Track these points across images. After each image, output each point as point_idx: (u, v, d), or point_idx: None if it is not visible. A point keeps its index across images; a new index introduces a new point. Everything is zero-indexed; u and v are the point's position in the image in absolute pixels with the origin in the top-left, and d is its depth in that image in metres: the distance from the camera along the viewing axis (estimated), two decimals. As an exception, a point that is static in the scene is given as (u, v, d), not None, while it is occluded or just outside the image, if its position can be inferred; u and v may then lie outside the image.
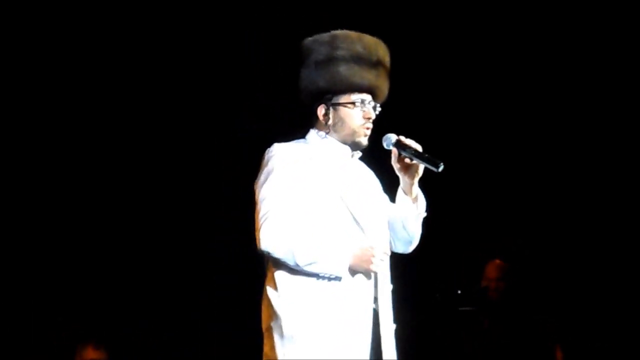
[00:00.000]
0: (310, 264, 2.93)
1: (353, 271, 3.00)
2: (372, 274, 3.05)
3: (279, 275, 3.01)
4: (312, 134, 3.20)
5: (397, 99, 3.32)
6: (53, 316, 5.54)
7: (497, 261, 5.85)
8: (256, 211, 3.03)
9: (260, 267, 3.17)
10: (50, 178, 5.64)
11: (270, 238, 2.95)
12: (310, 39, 3.20)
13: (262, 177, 3.08)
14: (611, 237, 6.07)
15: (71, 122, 5.67)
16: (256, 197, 3.08)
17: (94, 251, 5.69)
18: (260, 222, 2.98)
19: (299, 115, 3.25)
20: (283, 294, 2.99)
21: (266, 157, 3.13)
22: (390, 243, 3.24)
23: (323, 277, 2.96)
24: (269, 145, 3.15)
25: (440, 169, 3.02)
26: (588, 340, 5.98)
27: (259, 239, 2.98)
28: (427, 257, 5.39)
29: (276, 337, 2.97)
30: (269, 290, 3.04)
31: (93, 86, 5.69)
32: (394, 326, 3.12)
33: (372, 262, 2.98)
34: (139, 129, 5.77)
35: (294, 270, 2.98)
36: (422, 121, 5.47)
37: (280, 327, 2.96)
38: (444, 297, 5.85)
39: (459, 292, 5.77)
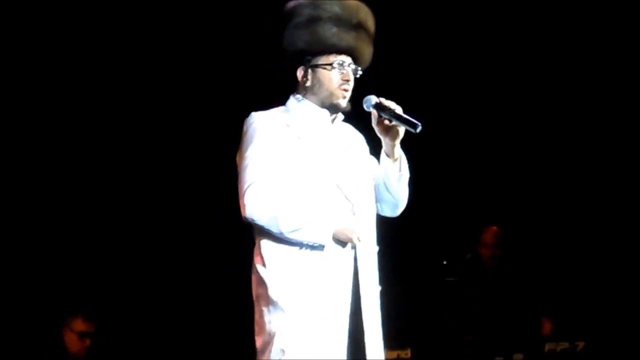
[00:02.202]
0: (293, 231, 2.95)
1: (336, 240, 3.01)
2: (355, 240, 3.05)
3: (265, 245, 3.03)
4: (291, 99, 3.21)
5: (396, 63, 3.27)
6: (42, 289, 5.53)
7: (494, 228, 5.89)
8: (239, 180, 3.06)
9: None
10: (51, 176, 5.64)
11: (254, 205, 2.97)
12: (292, 2, 3.20)
13: (242, 146, 3.11)
14: (607, 206, 6.10)
15: (72, 122, 5.67)
16: (238, 166, 3.12)
17: (85, 229, 5.69)
18: (244, 190, 3.00)
19: (280, 81, 3.26)
20: (268, 263, 3.00)
21: (245, 126, 3.15)
22: (377, 207, 3.23)
23: (306, 246, 2.98)
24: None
25: (418, 130, 3.01)
26: (579, 311, 5.99)
27: (243, 207, 2.99)
28: (417, 224, 5.44)
29: (263, 304, 2.99)
30: (256, 259, 3.05)
31: (93, 86, 5.69)
32: (378, 288, 3.12)
33: (354, 233, 2.98)
34: (140, 128, 5.77)
35: (278, 240, 3.00)
36: (418, 86, 5.47)
37: (267, 295, 2.98)
38: (431, 267, 5.88)
39: (445, 262, 5.81)
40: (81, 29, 5.60)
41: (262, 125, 3.09)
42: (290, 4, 3.19)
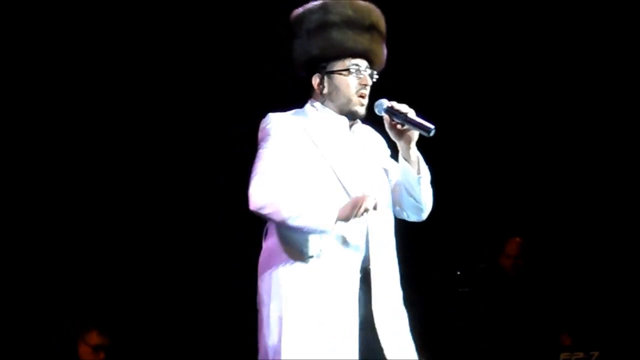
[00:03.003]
0: (296, 217, 2.87)
1: (342, 237, 2.94)
2: (364, 237, 2.97)
3: (271, 251, 3.00)
4: (308, 105, 3.13)
5: (407, 67, 3.23)
6: (57, 303, 5.54)
7: (518, 239, 5.89)
8: (251, 176, 2.99)
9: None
10: (53, 176, 5.64)
11: (259, 194, 2.91)
12: (300, 9, 3.14)
13: (258, 145, 3.04)
14: (623, 217, 6.09)
15: (73, 123, 5.67)
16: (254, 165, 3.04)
17: (97, 242, 5.68)
18: (251, 181, 2.95)
19: (296, 88, 3.20)
20: (275, 275, 2.96)
21: (261, 126, 3.08)
22: (403, 213, 3.15)
23: (308, 236, 2.91)
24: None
25: (432, 133, 2.94)
26: (595, 321, 5.99)
27: (249, 197, 2.94)
28: (430, 234, 5.43)
29: (266, 314, 2.95)
30: (261, 266, 3.02)
31: (94, 86, 5.68)
32: (400, 293, 3.05)
33: (362, 204, 2.88)
34: (142, 129, 5.77)
35: (284, 246, 2.96)
36: (438, 91, 5.43)
37: (268, 308, 2.94)
38: (444, 277, 5.88)
39: (458, 273, 5.80)
40: (81, 29, 5.59)
41: (277, 125, 3.03)
42: (298, 11, 3.14)
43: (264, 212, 2.92)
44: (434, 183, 3.13)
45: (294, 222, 2.89)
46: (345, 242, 2.96)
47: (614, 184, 6.19)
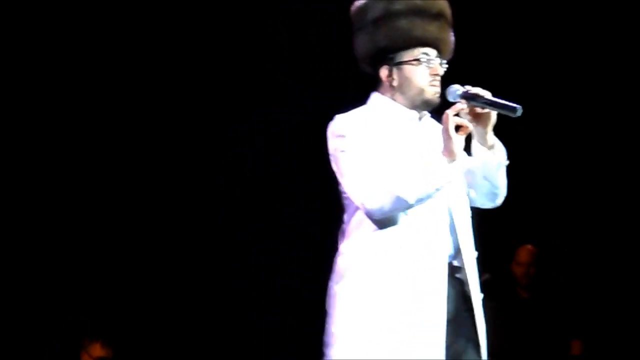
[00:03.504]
0: (416, 190, 2.77)
1: (428, 229, 2.85)
2: (448, 229, 2.89)
3: (356, 252, 2.89)
4: (375, 97, 3.01)
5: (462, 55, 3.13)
6: (60, 313, 5.53)
7: (529, 246, 5.87)
8: (346, 186, 2.89)
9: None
10: (55, 177, 5.64)
11: (372, 199, 2.80)
12: (361, 0, 3.02)
13: (336, 153, 2.93)
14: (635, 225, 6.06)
15: (73, 124, 5.67)
16: (338, 174, 2.93)
17: (97, 242, 5.67)
18: (355, 191, 2.84)
19: (362, 83, 3.07)
20: (361, 273, 2.86)
21: (331, 130, 2.96)
22: (474, 199, 3.05)
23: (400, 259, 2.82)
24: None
25: (519, 113, 2.78)
26: (611, 334, 5.97)
27: (365, 207, 2.82)
28: None
29: (348, 317, 2.85)
30: (342, 268, 2.91)
31: (94, 86, 5.68)
32: (481, 295, 2.99)
33: (447, 120, 2.77)
34: (142, 129, 5.76)
35: (373, 244, 2.86)
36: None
37: (355, 309, 2.84)
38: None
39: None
40: (81, 29, 5.59)
41: (349, 126, 2.92)
42: (360, 3, 3.02)
43: (387, 208, 2.81)
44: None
45: (418, 195, 2.79)
46: (431, 234, 2.88)
47: (625, 189, 6.15)
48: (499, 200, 3.06)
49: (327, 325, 2.94)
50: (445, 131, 2.80)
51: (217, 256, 5.78)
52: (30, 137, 5.60)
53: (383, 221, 2.85)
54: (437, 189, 2.82)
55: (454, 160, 2.81)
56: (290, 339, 5.56)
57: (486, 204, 3.06)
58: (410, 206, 2.80)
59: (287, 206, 5.68)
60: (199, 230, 5.78)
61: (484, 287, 3.03)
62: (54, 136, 5.63)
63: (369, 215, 2.84)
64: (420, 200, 2.80)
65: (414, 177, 2.79)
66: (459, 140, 2.82)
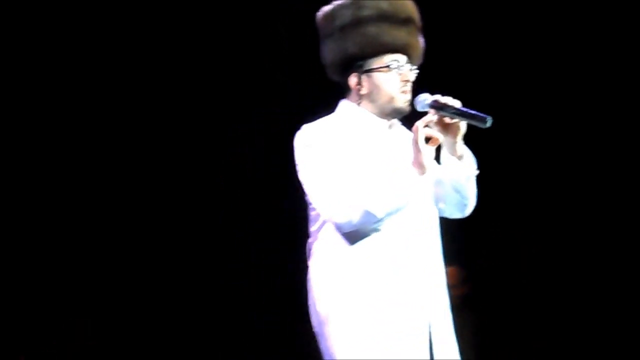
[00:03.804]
0: (386, 205, 2.72)
1: (401, 237, 2.79)
2: (424, 251, 2.84)
3: (327, 267, 2.83)
4: (344, 105, 2.95)
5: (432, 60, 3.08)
6: (60, 313, 5.54)
7: (452, 268, 5.75)
8: (314, 199, 2.83)
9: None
10: (54, 176, 5.64)
11: (342, 212, 2.74)
12: (328, 6, 2.96)
13: (303, 164, 2.86)
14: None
15: (72, 122, 5.67)
16: (305, 185, 2.86)
17: (97, 242, 5.68)
18: (324, 204, 2.78)
19: (331, 91, 3.01)
20: (336, 287, 2.80)
21: (299, 140, 2.89)
22: (443, 209, 2.99)
23: (374, 265, 2.77)
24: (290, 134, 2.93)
25: (489, 124, 2.71)
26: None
27: (332, 220, 2.76)
28: None
29: (331, 331, 2.79)
30: (316, 284, 2.84)
31: (93, 86, 5.68)
32: (449, 315, 2.95)
33: (418, 131, 2.71)
34: (141, 128, 5.77)
35: (345, 256, 2.80)
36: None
37: (337, 323, 2.78)
38: None
39: None
40: (81, 28, 5.59)
41: (316, 136, 2.85)
42: (326, 9, 2.96)
43: (355, 222, 2.75)
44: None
45: (387, 209, 2.74)
46: (402, 246, 2.83)
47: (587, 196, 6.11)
48: (468, 211, 3.00)
49: (320, 342, 2.89)
50: (415, 143, 2.74)
51: (217, 256, 5.78)
52: (30, 137, 5.61)
53: (351, 235, 2.79)
54: (406, 203, 2.76)
55: (424, 172, 2.75)
56: (290, 339, 5.56)
57: (455, 214, 3.01)
58: (379, 220, 2.74)
59: (287, 206, 5.68)
60: (199, 230, 5.78)
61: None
62: (54, 136, 5.64)
63: (338, 229, 2.78)
64: (389, 214, 2.75)
65: (383, 190, 2.73)
66: (429, 152, 2.76)
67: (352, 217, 2.73)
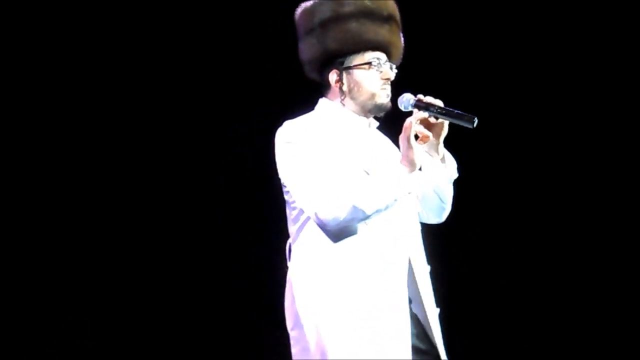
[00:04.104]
0: (375, 202, 2.68)
1: (384, 241, 2.74)
2: (407, 258, 2.79)
3: (308, 268, 2.80)
4: (324, 103, 2.93)
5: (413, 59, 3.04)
6: (60, 313, 5.54)
7: None
8: (300, 196, 2.77)
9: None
10: (52, 176, 5.64)
11: (328, 208, 2.68)
12: (308, 2, 2.95)
13: (286, 161, 2.82)
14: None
15: (72, 122, 5.66)
16: (287, 182, 2.83)
17: (96, 242, 5.66)
18: (309, 201, 2.73)
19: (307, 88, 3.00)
20: (315, 287, 2.77)
21: (281, 137, 2.86)
22: (421, 214, 2.97)
23: (357, 264, 2.73)
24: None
25: (475, 124, 2.69)
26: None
27: (317, 215, 2.70)
28: None
29: (307, 331, 2.78)
30: (297, 284, 2.81)
31: (93, 86, 5.68)
32: (437, 310, 2.91)
33: (409, 128, 2.68)
34: (141, 127, 5.76)
35: (325, 258, 2.77)
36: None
37: (315, 324, 2.76)
38: None
39: None
40: (81, 28, 5.59)
41: (301, 134, 2.81)
42: (306, 5, 2.96)
43: (343, 219, 2.69)
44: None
45: (377, 206, 2.69)
46: (388, 247, 2.79)
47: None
48: (445, 215, 2.99)
49: (295, 342, 2.88)
50: (406, 139, 2.70)
51: (217, 256, 5.78)
52: (31, 137, 5.60)
53: (336, 232, 2.73)
54: (396, 200, 2.71)
55: (413, 170, 2.72)
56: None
57: (432, 219, 2.99)
58: (367, 217, 2.70)
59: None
60: (199, 230, 5.77)
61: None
62: (54, 136, 5.63)
63: (322, 225, 2.72)
64: (378, 212, 2.70)
65: (373, 187, 2.69)
66: (419, 149, 2.74)
67: (339, 213, 2.68)
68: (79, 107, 5.67)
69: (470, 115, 2.71)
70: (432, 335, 2.85)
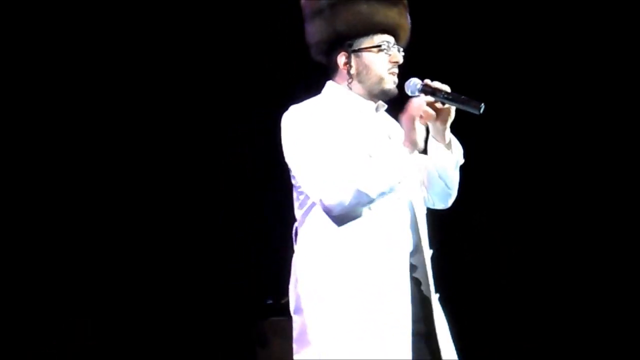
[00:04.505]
0: (378, 185, 2.66)
1: (390, 227, 2.73)
2: (410, 227, 2.79)
3: (314, 252, 2.79)
4: (331, 86, 2.91)
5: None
6: (60, 313, 5.54)
7: None
8: (302, 181, 2.78)
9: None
10: (53, 176, 5.64)
11: (333, 192, 2.67)
12: None
13: (292, 145, 2.80)
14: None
15: (72, 122, 5.66)
16: (293, 167, 2.82)
17: (96, 242, 5.66)
18: (315, 185, 2.72)
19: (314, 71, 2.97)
20: (321, 273, 2.75)
21: (287, 121, 2.85)
22: (427, 199, 2.96)
23: (359, 254, 2.72)
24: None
25: (482, 110, 2.67)
26: None
27: (323, 200, 2.69)
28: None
29: (312, 317, 2.76)
30: (302, 268, 2.81)
31: (94, 86, 5.68)
32: (436, 295, 2.88)
33: (419, 108, 2.67)
34: (141, 127, 5.77)
35: (333, 244, 2.75)
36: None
37: (317, 310, 2.74)
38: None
39: (269, 301, 5.49)
40: (81, 28, 5.59)
41: (307, 118, 2.79)
42: None
43: (349, 204, 2.67)
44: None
45: (381, 189, 2.67)
46: (393, 231, 2.77)
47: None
48: (451, 201, 2.97)
49: (296, 326, 2.86)
50: (410, 120, 2.70)
51: (217, 256, 5.78)
52: (30, 137, 5.60)
53: (341, 217, 2.72)
54: (399, 182, 2.70)
55: (414, 150, 2.71)
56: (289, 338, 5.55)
57: (437, 204, 2.98)
58: (372, 201, 2.69)
59: (287, 206, 5.68)
60: (199, 230, 5.78)
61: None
62: (54, 136, 5.64)
63: (328, 210, 2.71)
64: (382, 195, 2.69)
65: (375, 170, 2.67)
66: (421, 129, 2.71)
67: (344, 197, 2.67)
68: (78, 108, 5.67)
69: (477, 101, 2.69)
70: (433, 319, 2.84)
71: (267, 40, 5.64)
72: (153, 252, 5.73)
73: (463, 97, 2.73)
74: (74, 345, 5.41)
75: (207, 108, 5.80)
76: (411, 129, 2.70)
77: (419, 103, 2.71)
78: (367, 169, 2.68)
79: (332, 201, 2.69)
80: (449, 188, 2.92)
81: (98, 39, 5.61)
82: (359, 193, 2.67)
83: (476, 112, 2.70)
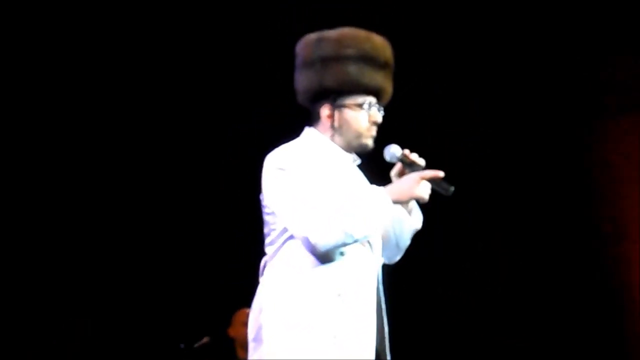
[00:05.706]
0: (361, 227, 2.81)
1: (360, 264, 2.91)
2: (374, 275, 2.95)
3: (283, 284, 2.93)
4: (311, 133, 3.05)
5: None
6: (60, 313, 5.55)
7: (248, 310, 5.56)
8: (286, 220, 2.93)
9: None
10: (53, 176, 5.65)
11: (320, 232, 2.80)
12: (313, 35, 3.07)
13: (277, 186, 2.97)
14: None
15: (72, 122, 5.67)
16: (276, 206, 2.99)
17: (97, 242, 5.68)
18: (301, 224, 2.85)
19: (295, 115, 3.12)
20: (290, 304, 2.88)
21: (271, 163, 3.02)
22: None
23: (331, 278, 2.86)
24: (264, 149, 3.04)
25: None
26: None
27: (309, 238, 2.83)
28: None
29: (279, 345, 2.85)
30: (270, 300, 2.94)
31: (94, 86, 5.69)
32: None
33: (417, 186, 2.86)
34: (141, 128, 5.77)
35: (300, 274, 2.89)
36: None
37: (286, 339, 2.85)
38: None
39: (182, 346, 5.44)
40: (81, 28, 5.60)
41: (293, 161, 2.94)
42: (310, 38, 3.07)
43: (334, 243, 2.82)
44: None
45: (365, 232, 2.83)
46: (361, 270, 2.93)
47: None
48: (395, 260, 3.13)
49: (252, 353, 2.94)
50: (415, 181, 2.86)
51: (217, 256, 5.78)
52: (30, 137, 5.61)
53: (324, 254, 2.85)
54: (378, 227, 2.88)
55: (397, 202, 2.87)
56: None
57: (385, 260, 3.09)
58: (355, 241, 2.84)
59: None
60: (199, 230, 5.78)
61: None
62: (54, 136, 5.65)
63: (312, 247, 2.83)
64: (365, 237, 2.85)
65: (361, 213, 2.82)
66: (414, 200, 2.91)
67: (331, 237, 2.81)
68: (78, 108, 5.68)
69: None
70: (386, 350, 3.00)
71: (267, 40, 5.64)
72: (153, 253, 5.74)
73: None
74: (74, 345, 5.42)
75: (207, 108, 5.81)
76: (413, 188, 2.88)
77: (427, 186, 2.88)
78: (353, 212, 2.83)
79: (319, 240, 2.82)
80: (399, 248, 3.08)
81: (98, 39, 5.63)
82: (345, 234, 2.81)
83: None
